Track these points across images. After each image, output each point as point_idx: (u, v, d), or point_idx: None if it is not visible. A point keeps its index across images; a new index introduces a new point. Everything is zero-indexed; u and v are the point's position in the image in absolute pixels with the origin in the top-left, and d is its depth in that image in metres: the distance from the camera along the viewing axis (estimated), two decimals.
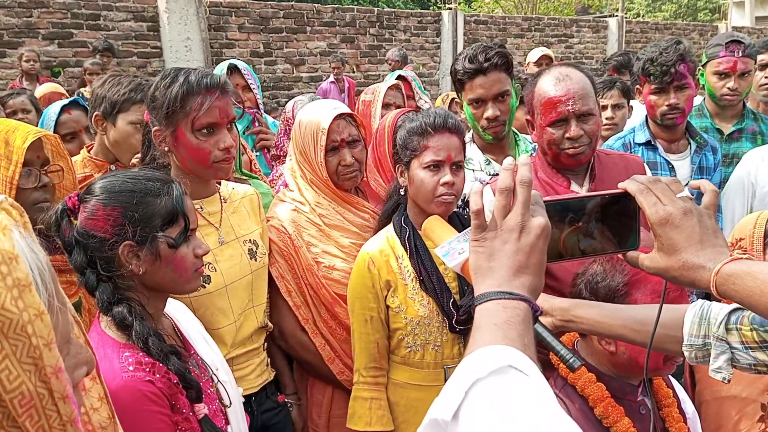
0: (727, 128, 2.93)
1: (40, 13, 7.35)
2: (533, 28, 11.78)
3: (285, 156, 3.15)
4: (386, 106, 3.00)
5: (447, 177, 1.82)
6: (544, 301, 1.42)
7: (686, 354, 1.20)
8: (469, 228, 1.04)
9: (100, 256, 1.31)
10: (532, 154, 2.43)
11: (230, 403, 1.49)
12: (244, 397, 1.78)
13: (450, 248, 1.04)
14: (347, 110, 2.13)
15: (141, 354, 1.30)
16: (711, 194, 0.98)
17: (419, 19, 10.59)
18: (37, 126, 2.35)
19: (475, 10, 18.81)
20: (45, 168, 1.68)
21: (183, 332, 1.52)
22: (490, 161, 2.44)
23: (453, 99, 3.81)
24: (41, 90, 5.05)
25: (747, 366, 1.16)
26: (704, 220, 0.94)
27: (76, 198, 1.35)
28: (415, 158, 1.86)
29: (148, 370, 1.28)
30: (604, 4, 21.40)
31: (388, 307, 1.91)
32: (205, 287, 1.73)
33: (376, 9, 10.36)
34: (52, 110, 2.67)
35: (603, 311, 1.37)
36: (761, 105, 3.38)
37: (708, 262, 0.90)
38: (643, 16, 25.87)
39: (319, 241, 2.09)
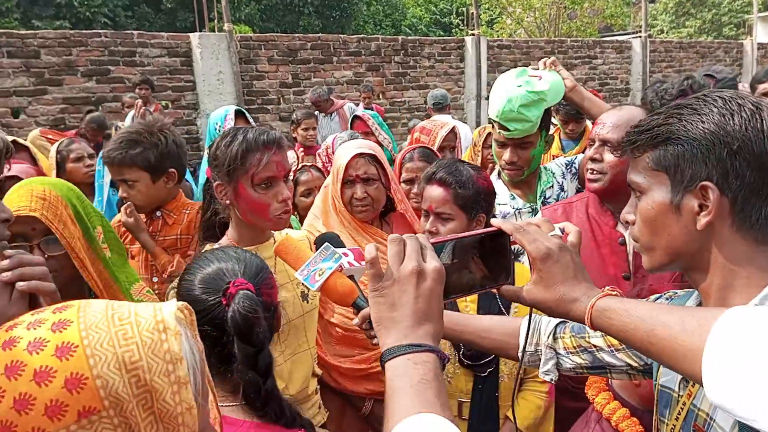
0: None
1: (79, 51, 7.64)
2: (556, 51, 11.84)
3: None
4: (442, 149, 3.18)
5: (427, 226, 2.02)
6: None
7: (520, 358, 1.31)
8: (324, 246, 1.08)
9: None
10: (552, 185, 2.52)
11: None
12: None
13: (309, 270, 1.04)
14: (370, 152, 2.30)
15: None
16: (575, 234, 1.07)
17: (443, 45, 10.74)
18: None
19: (497, 32, 18.95)
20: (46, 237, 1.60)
21: None
22: (514, 196, 2.51)
23: (489, 133, 3.91)
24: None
25: (569, 369, 1.33)
26: (574, 257, 1.02)
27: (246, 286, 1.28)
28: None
29: None
30: (627, 22, 21.40)
31: None
32: None
33: (400, 37, 10.53)
34: None
35: (456, 319, 1.44)
36: None
37: (582, 296, 0.98)
38: (666, 32, 25.76)
39: None
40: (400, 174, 2.79)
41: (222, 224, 1.94)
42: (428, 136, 3.23)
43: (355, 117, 4.41)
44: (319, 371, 2.09)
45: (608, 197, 2.04)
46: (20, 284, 1.08)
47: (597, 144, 2.01)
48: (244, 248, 1.84)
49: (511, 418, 1.94)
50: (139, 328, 0.69)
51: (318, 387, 2.07)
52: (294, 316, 1.91)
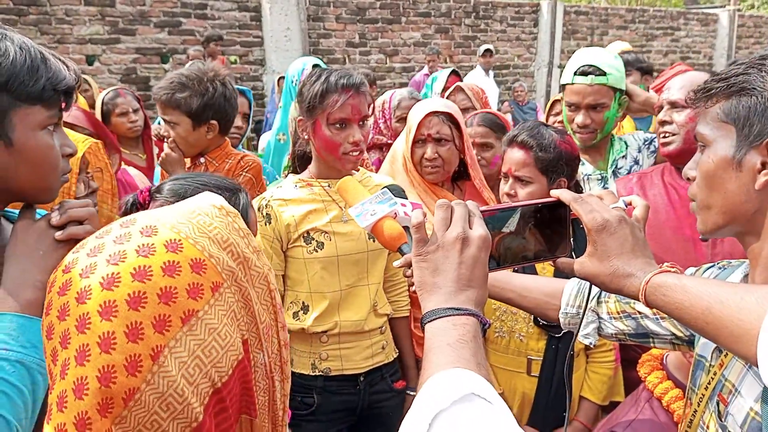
0: None
1: (152, 1, 7.75)
2: (637, 20, 11.27)
3: (377, 145, 3.26)
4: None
5: (506, 188, 2.02)
6: None
7: (561, 320, 1.33)
8: (383, 190, 1.10)
9: None
10: (625, 155, 2.47)
11: None
12: (351, 375, 1.98)
13: (363, 209, 1.06)
14: (445, 110, 2.26)
15: None
16: (642, 208, 1.02)
17: (517, 9, 10.37)
18: None
19: None
20: (88, 173, 1.74)
21: None
22: (584, 162, 2.43)
23: (555, 101, 3.75)
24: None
25: (610, 335, 1.31)
26: (635, 231, 0.97)
27: (148, 194, 1.34)
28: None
29: None
30: None
31: None
32: (317, 252, 1.92)
33: None
34: None
35: (498, 276, 1.42)
36: None
37: (638, 272, 0.93)
38: (758, 7, 24.19)
39: None
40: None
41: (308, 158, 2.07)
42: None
43: (453, 71, 4.24)
44: (389, 311, 2.09)
45: (683, 160, 2.02)
46: (58, 233, 1.07)
47: (666, 108, 2.05)
48: (320, 180, 1.99)
49: (586, 396, 2.03)
50: (210, 216, 0.78)
51: (383, 328, 2.07)
52: (355, 251, 1.96)
